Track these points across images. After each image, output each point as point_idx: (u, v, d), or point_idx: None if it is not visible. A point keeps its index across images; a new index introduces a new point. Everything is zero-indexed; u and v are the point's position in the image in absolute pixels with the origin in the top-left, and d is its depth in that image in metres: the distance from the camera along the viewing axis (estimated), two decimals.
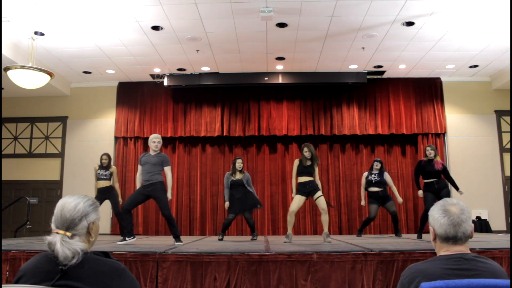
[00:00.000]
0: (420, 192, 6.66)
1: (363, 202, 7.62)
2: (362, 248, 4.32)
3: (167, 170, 5.68)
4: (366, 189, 7.54)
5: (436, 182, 6.44)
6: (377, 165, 7.51)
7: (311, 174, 5.91)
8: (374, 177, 7.43)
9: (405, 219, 9.60)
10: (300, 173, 5.92)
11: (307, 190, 5.82)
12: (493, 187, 9.36)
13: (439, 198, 6.13)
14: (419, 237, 6.58)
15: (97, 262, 1.56)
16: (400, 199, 7.48)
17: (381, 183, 7.40)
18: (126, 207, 5.52)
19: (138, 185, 5.76)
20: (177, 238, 5.43)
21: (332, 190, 9.72)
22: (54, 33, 7.35)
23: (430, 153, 6.55)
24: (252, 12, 6.70)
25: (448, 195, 6.61)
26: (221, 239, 6.78)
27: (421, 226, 6.62)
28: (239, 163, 7.06)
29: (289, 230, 5.88)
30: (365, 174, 7.62)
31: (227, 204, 7.04)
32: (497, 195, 9.34)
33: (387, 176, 7.53)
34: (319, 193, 5.82)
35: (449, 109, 9.77)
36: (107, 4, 6.37)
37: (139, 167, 5.75)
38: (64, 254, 1.51)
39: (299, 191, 5.85)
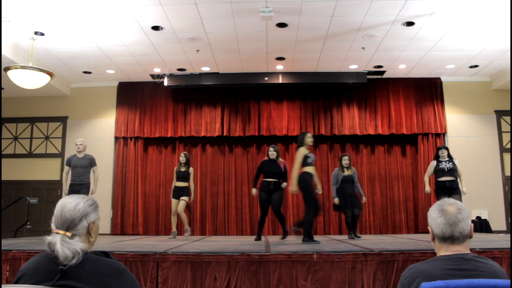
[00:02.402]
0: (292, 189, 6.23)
1: (427, 189, 6.81)
2: (362, 248, 4.32)
3: (95, 169, 7.14)
4: (436, 178, 6.70)
5: (273, 182, 6.23)
6: (443, 153, 6.68)
7: (186, 179, 7.36)
8: (447, 165, 6.56)
9: (405, 219, 9.60)
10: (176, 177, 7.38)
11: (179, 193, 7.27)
12: (493, 187, 9.36)
13: (271, 199, 6.12)
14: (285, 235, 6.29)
15: (97, 262, 1.56)
16: (465, 190, 6.61)
17: (455, 171, 6.55)
18: None
19: (65, 185, 6.88)
20: None
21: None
22: (54, 33, 7.35)
23: (273, 154, 6.37)
24: (252, 12, 6.70)
25: (281, 197, 6.23)
26: (353, 237, 6.87)
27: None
28: (345, 160, 7.17)
29: (174, 229, 7.40)
30: (433, 162, 6.76)
31: (337, 199, 7.09)
32: (497, 195, 9.34)
33: (458, 164, 6.67)
34: (184, 197, 7.32)
35: (449, 109, 9.77)
36: (107, 4, 6.37)
37: (66, 168, 7.00)
38: (64, 254, 1.51)
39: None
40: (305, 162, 5.66)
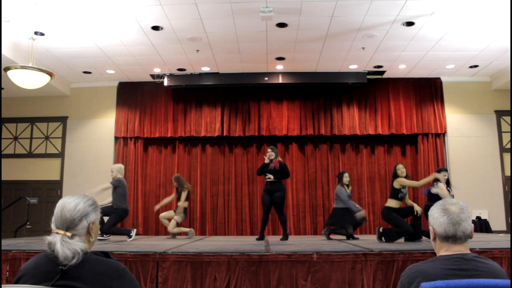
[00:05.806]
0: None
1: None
2: (362, 248, 4.32)
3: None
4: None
5: (270, 182, 6.33)
6: (445, 175, 5.94)
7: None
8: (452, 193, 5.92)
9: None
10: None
11: None
12: (493, 187, 9.35)
13: (272, 200, 6.24)
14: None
15: (97, 262, 1.56)
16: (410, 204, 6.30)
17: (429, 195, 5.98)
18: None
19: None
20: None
21: (332, 190, 9.66)
22: (54, 33, 7.35)
23: (271, 155, 6.42)
24: (252, 12, 6.70)
25: (278, 199, 6.27)
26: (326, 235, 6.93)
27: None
28: (346, 177, 7.08)
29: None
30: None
31: (362, 212, 6.84)
32: (497, 195, 9.33)
33: (436, 189, 5.79)
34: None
35: (449, 109, 9.77)
36: (107, 4, 6.37)
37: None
38: (64, 254, 1.51)
39: None
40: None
